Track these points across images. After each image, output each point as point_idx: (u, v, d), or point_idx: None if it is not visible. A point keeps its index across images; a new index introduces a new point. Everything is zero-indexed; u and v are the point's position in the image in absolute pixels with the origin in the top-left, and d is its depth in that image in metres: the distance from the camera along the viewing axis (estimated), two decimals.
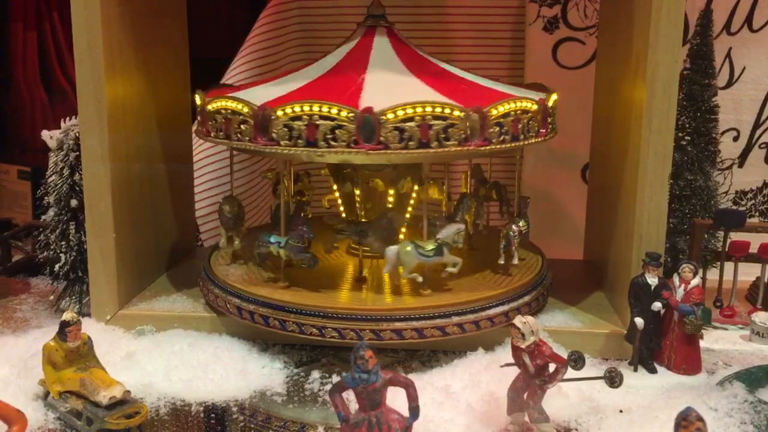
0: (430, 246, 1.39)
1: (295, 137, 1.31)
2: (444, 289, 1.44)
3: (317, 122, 1.29)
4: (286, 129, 1.31)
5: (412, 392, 1.05)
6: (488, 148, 1.34)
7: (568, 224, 2.05)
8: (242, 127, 1.36)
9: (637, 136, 1.40)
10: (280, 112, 1.31)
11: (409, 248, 1.38)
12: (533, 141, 1.42)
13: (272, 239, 1.45)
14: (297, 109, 1.30)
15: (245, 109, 1.35)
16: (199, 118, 1.49)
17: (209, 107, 1.42)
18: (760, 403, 1.18)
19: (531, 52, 2.03)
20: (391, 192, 1.58)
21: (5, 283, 1.82)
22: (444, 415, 1.18)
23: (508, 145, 1.37)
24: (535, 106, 1.40)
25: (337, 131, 1.29)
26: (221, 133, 1.40)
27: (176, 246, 1.79)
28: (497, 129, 1.34)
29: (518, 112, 1.37)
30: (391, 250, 1.38)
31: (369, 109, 1.28)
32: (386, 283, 1.47)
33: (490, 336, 1.39)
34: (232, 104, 1.37)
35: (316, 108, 1.29)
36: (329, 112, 1.29)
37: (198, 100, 1.49)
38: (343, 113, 1.28)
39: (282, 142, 1.32)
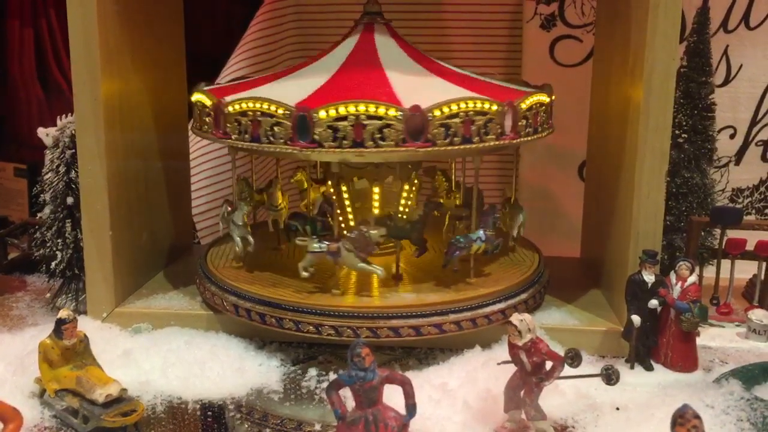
0: None
1: (243, 131, 1.35)
2: (442, 286, 1.44)
3: (259, 118, 1.33)
4: (236, 123, 1.36)
5: (409, 390, 1.05)
6: (432, 149, 1.31)
7: (564, 222, 2.05)
8: (207, 119, 1.42)
9: (634, 134, 1.40)
10: (231, 108, 1.36)
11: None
12: (495, 144, 1.36)
13: (474, 236, 1.44)
14: (244, 105, 1.34)
15: (209, 103, 1.40)
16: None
17: (192, 98, 1.48)
18: (757, 401, 1.18)
19: (528, 49, 2.03)
20: (376, 190, 1.57)
21: (1, 281, 1.82)
22: (441, 413, 1.18)
23: (458, 147, 1.33)
24: (494, 107, 1.34)
25: (275, 128, 1.32)
26: (196, 124, 1.47)
27: (173, 244, 1.79)
28: (443, 130, 1.31)
29: (470, 113, 1.32)
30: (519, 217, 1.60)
31: (305, 108, 1.30)
32: (381, 282, 1.48)
33: (487, 333, 1.39)
34: (202, 98, 1.43)
35: (258, 105, 1.33)
36: (269, 109, 1.32)
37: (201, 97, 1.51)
38: (280, 111, 1.31)
39: (233, 136, 1.36)
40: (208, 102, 1.42)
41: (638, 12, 1.38)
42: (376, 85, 1.39)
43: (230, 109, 1.36)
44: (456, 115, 1.31)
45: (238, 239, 1.51)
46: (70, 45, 1.42)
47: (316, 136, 1.30)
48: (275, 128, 1.32)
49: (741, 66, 1.95)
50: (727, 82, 1.95)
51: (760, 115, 1.97)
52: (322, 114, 1.29)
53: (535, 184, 2.08)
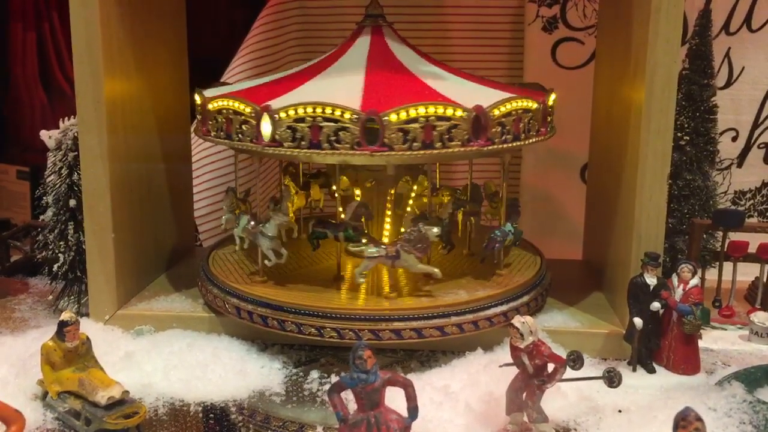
0: None
1: (299, 138, 1.31)
2: (443, 289, 1.44)
3: (321, 124, 1.29)
4: (289, 130, 1.31)
5: (411, 392, 1.05)
6: (491, 148, 1.34)
7: (566, 224, 2.05)
8: (243, 127, 1.36)
9: (636, 136, 1.40)
10: (283, 114, 1.30)
11: None
12: (534, 140, 1.42)
13: (507, 229, 1.49)
14: (300, 110, 1.30)
15: (247, 109, 1.35)
16: (198, 117, 1.50)
17: (210, 106, 1.42)
18: (759, 403, 1.18)
19: (530, 52, 2.03)
20: (392, 192, 1.58)
21: (4, 283, 1.82)
22: (443, 415, 1.18)
23: (511, 144, 1.37)
24: (535, 105, 1.40)
25: (340, 133, 1.29)
26: (222, 133, 1.41)
27: (175, 246, 1.79)
28: (499, 129, 1.34)
29: (519, 111, 1.37)
30: None
31: (374, 111, 1.28)
32: (386, 284, 1.48)
33: (488, 336, 1.39)
34: (234, 104, 1.37)
35: (319, 110, 1.29)
36: (333, 113, 1.28)
37: (198, 99, 1.49)
38: (347, 115, 1.28)
39: (285, 144, 1.31)
40: (246, 109, 1.35)
41: (640, 14, 1.38)
42: (418, 87, 1.39)
43: (282, 115, 1.31)
44: (510, 114, 1.35)
45: (270, 252, 1.45)
46: (73, 47, 1.43)
47: (386, 140, 1.29)
48: (340, 133, 1.29)
49: (743, 68, 1.95)
50: (729, 84, 1.95)
51: (762, 118, 1.97)
52: (393, 117, 1.28)
53: (536, 187, 2.09)
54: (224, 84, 1.64)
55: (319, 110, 1.29)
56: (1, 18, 2.35)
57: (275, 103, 1.33)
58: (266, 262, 1.47)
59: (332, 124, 1.28)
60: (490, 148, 1.34)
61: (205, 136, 1.48)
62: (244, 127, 1.36)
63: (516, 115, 1.36)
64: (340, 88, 1.37)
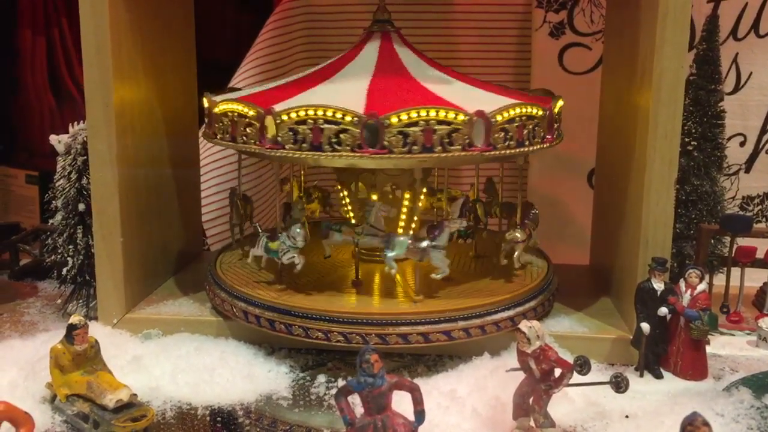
0: None
1: (300, 141, 1.32)
2: (451, 293, 1.44)
3: (322, 126, 1.30)
4: (291, 133, 1.32)
5: (418, 396, 1.05)
6: (493, 153, 1.34)
7: (574, 229, 2.05)
8: (247, 130, 1.37)
9: (643, 142, 1.40)
10: (285, 116, 1.31)
11: None
12: (538, 147, 1.41)
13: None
14: (302, 113, 1.31)
15: (251, 112, 1.36)
16: (206, 120, 1.50)
17: (216, 110, 1.43)
18: (767, 409, 1.18)
19: (537, 57, 2.04)
20: (407, 196, 1.58)
21: (13, 287, 1.83)
22: (449, 420, 1.18)
23: (513, 150, 1.36)
24: (541, 112, 1.39)
25: (341, 135, 1.30)
26: (227, 136, 1.42)
27: (183, 250, 1.80)
28: (502, 134, 1.34)
29: (524, 117, 1.36)
30: None
31: (374, 114, 1.29)
32: (392, 288, 1.48)
33: (495, 341, 1.39)
34: (238, 107, 1.38)
35: (320, 112, 1.30)
36: (334, 116, 1.29)
37: (205, 103, 1.49)
38: (348, 117, 1.29)
39: (287, 146, 1.33)
40: (249, 111, 1.36)
41: (647, 20, 1.39)
42: (417, 92, 1.39)
43: (284, 117, 1.32)
44: (513, 120, 1.35)
45: (443, 263, 1.42)
46: (83, 52, 1.43)
47: (386, 143, 1.30)
48: (341, 135, 1.30)
49: (751, 74, 1.94)
50: (736, 89, 1.95)
51: None
52: (394, 120, 1.29)
53: (544, 192, 2.08)
54: (233, 89, 1.65)
55: (320, 112, 1.30)
56: (10, 24, 2.37)
57: (279, 107, 1.34)
58: (435, 275, 1.42)
59: (333, 126, 1.30)
60: (491, 153, 1.33)
61: (211, 139, 1.48)
62: (248, 129, 1.37)
63: (520, 122, 1.35)
64: (344, 93, 1.38)
